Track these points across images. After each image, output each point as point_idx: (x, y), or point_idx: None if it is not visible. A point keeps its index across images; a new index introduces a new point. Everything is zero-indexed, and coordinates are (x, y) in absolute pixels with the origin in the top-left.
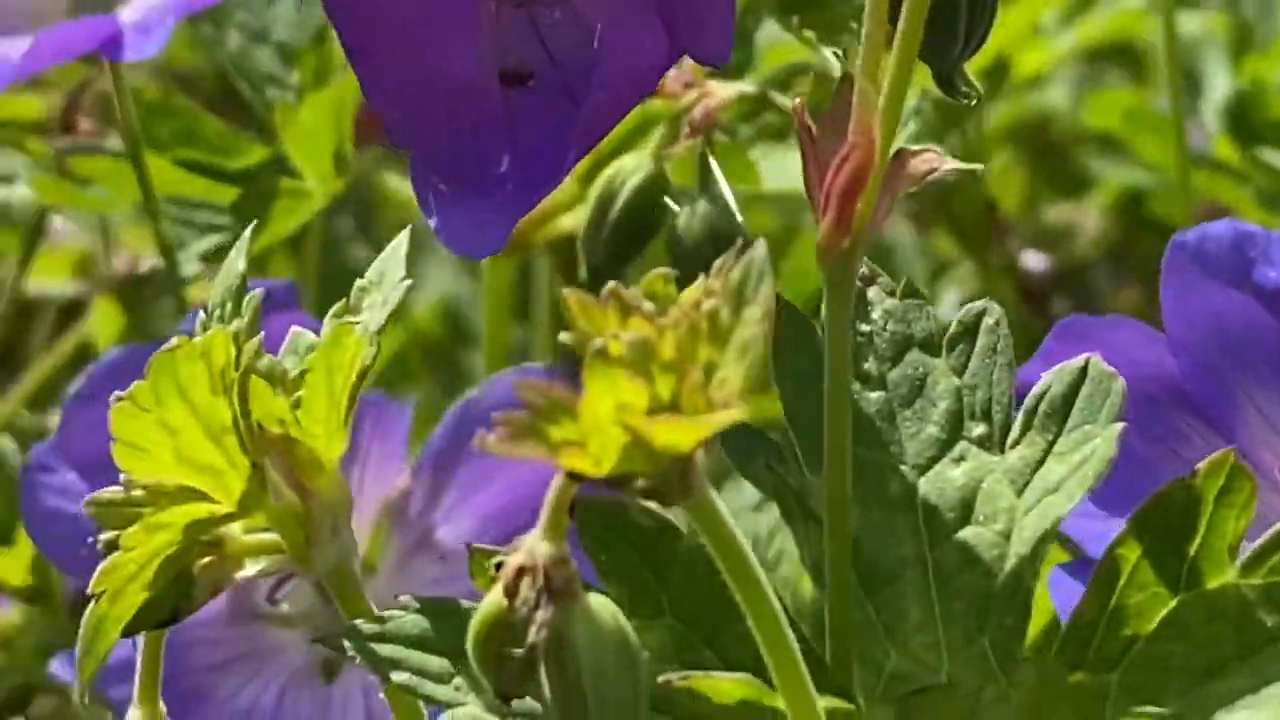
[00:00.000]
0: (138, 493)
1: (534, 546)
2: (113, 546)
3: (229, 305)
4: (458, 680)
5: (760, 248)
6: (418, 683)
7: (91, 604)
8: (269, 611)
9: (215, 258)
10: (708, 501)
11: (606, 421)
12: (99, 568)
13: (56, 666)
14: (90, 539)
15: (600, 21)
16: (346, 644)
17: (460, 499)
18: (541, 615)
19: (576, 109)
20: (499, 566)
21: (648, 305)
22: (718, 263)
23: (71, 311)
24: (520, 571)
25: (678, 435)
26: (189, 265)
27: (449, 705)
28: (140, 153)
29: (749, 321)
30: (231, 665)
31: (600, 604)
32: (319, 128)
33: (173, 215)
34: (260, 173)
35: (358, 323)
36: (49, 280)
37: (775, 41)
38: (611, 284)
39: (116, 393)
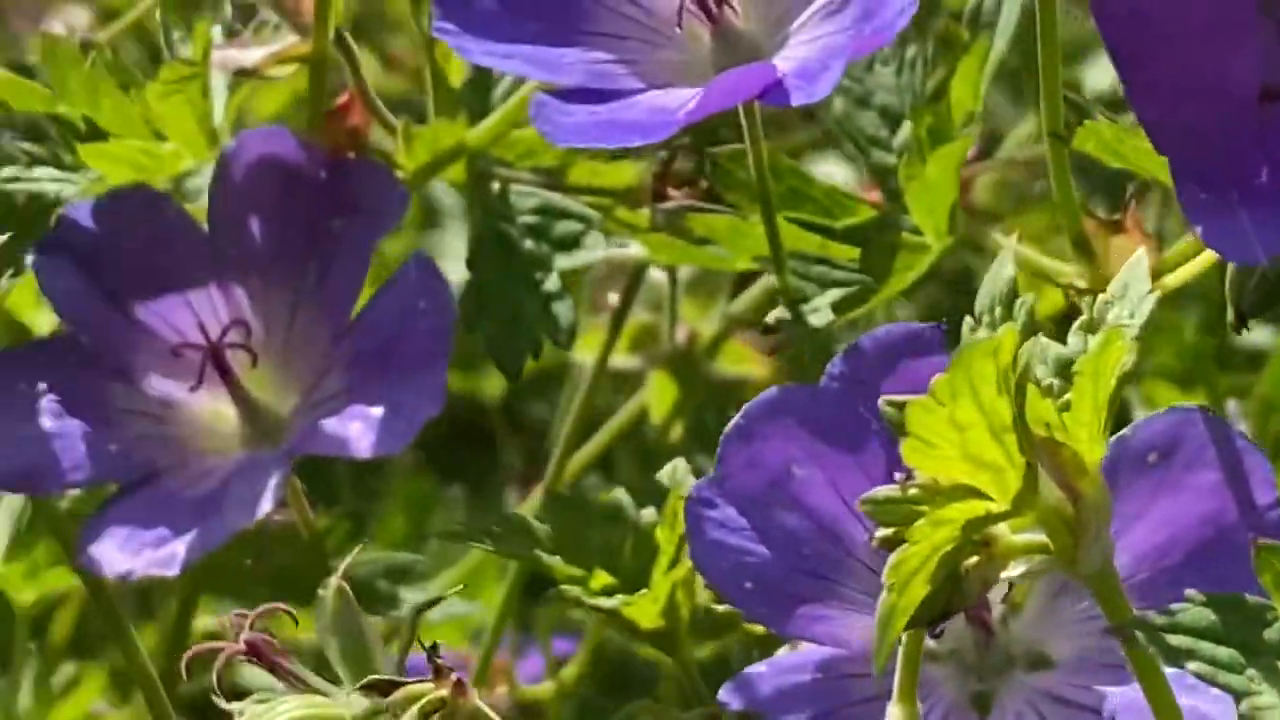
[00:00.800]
0: (913, 491)
1: None
2: (889, 543)
3: (998, 310)
4: (1250, 671)
5: None
6: (1211, 672)
7: (883, 595)
8: (926, 647)
9: (843, 309)
10: None
11: None
12: (889, 560)
13: (724, 694)
14: (752, 569)
15: None
16: (1139, 636)
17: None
18: None
19: None
20: None
21: None
22: None
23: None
24: None
25: None
26: (817, 317)
27: (1243, 694)
28: (770, 209)
29: None
30: None
31: None
32: (940, 183)
33: (791, 270)
34: (869, 229)
35: (1128, 327)
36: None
37: None
38: None
39: (886, 395)
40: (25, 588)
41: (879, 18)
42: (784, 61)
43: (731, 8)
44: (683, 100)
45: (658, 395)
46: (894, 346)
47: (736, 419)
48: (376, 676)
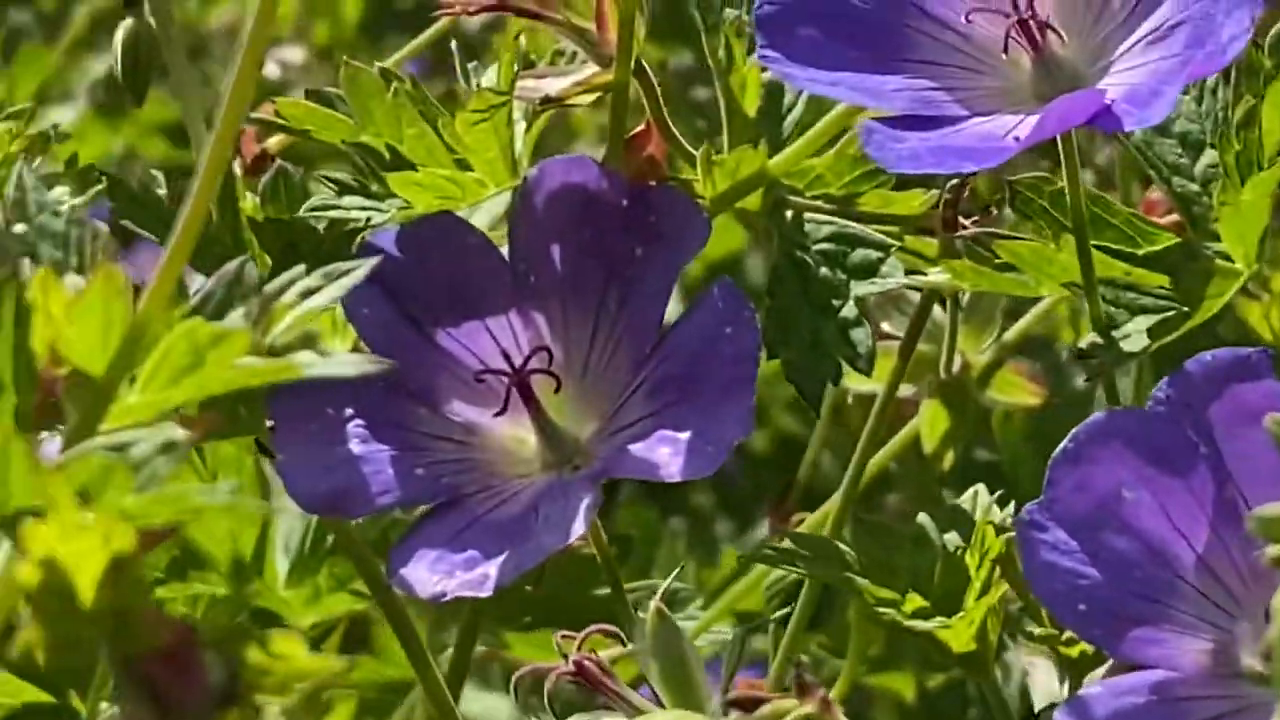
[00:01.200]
0: None
1: None
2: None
3: None
4: None
5: None
6: None
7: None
8: (1252, 669)
9: (1157, 334)
10: None
11: None
12: None
13: (1060, 715)
14: (1084, 592)
15: None
16: None
17: None
18: None
19: None
20: None
21: None
22: None
23: None
24: None
25: None
26: (1129, 342)
27: None
28: (1085, 236)
29: None
30: None
31: None
32: (1254, 209)
33: (1100, 296)
34: (1173, 255)
35: None
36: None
37: None
38: None
39: None
40: (306, 613)
41: (1212, 43)
42: (1111, 87)
43: (1057, 34)
44: (1009, 126)
45: (929, 423)
46: (1221, 371)
47: (1065, 442)
48: (742, 692)
